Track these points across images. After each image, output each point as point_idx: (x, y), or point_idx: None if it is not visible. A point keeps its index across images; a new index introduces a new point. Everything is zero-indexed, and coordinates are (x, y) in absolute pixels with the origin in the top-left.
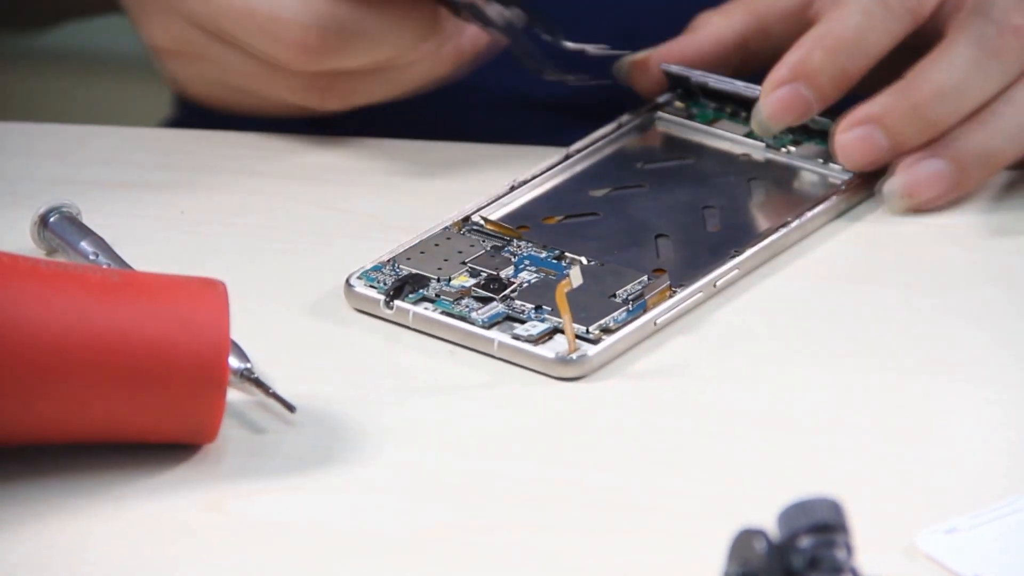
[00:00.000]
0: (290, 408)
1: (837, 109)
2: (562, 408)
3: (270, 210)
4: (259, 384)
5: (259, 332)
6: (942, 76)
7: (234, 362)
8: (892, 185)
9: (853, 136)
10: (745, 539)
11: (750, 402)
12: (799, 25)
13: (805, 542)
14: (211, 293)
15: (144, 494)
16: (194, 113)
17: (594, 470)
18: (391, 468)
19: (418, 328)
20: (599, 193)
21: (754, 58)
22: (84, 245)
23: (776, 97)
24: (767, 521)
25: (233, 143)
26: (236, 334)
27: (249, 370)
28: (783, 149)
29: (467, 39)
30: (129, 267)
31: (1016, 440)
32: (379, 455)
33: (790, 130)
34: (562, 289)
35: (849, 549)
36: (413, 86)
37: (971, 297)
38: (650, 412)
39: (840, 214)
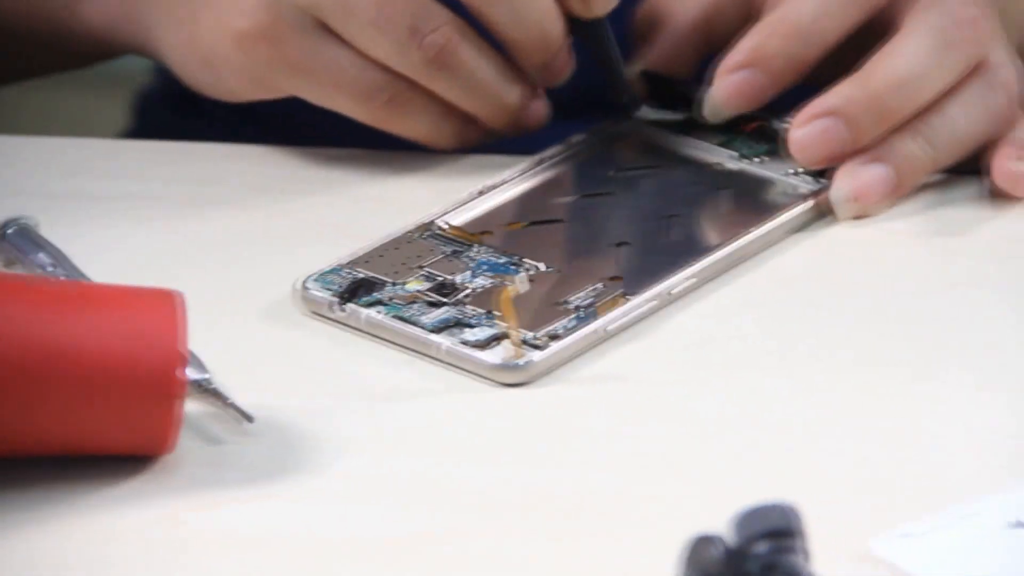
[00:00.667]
0: (248, 418)
1: (787, 107)
2: (506, 413)
3: (231, 220)
4: (217, 395)
5: (218, 342)
6: (901, 66)
7: (192, 373)
8: (839, 192)
9: (813, 130)
10: (700, 545)
11: (702, 407)
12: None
13: (760, 548)
14: (167, 304)
15: (100, 506)
16: (152, 125)
17: (539, 476)
18: (350, 477)
19: (369, 332)
20: (566, 200)
21: (715, 36)
22: (41, 257)
23: (730, 82)
24: (722, 527)
25: (193, 154)
26: (195, 344)
27: (207, 381)
28: (755, 159)
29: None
30: (86, 278)
31: (971, 444)
32: (337, 464)
33: (764, 140)
34: (507, 295)
35: (805, 554)
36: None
37: (923, 302)
38: (597, 418)
39: (805, 224)
